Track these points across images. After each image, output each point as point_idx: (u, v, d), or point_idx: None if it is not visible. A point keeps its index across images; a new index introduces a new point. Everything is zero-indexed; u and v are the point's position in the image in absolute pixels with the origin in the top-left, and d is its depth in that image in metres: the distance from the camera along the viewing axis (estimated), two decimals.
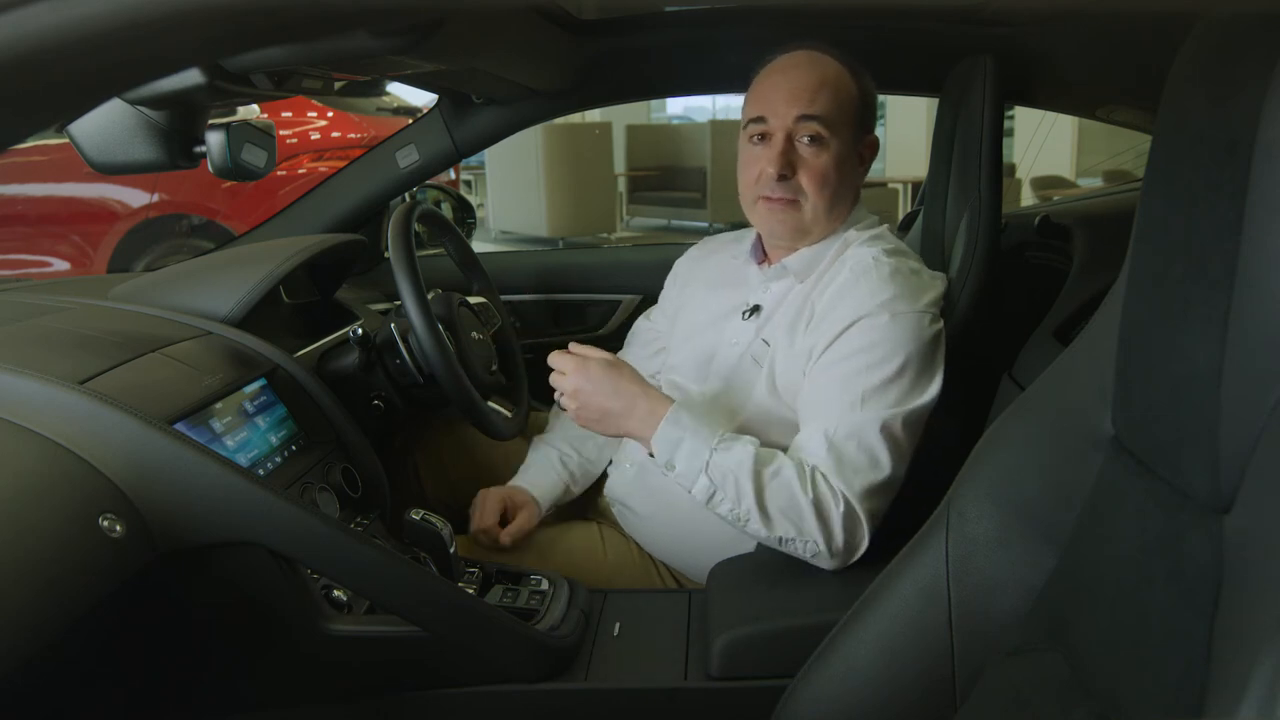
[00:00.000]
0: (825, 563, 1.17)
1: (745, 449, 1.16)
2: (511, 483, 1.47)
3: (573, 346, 1.27)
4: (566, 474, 1.49)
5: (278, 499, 0.98)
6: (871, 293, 1.21)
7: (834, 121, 1.27)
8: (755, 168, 1.30)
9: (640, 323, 1.62)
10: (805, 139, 1.27)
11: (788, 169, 1.27)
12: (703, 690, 1.10)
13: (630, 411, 1.20)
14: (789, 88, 1.27)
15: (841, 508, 1.14)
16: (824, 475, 1.16)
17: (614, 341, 1.68)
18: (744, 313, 1.37)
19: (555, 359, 1.26)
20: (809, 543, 1.15)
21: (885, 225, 1.36)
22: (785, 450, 1.22)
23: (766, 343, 1.30)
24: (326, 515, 1.09)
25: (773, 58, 1.33)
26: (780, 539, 1.16)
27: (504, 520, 1.40)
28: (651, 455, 1.21)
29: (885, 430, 1.18)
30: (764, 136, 1.29)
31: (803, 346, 1.25)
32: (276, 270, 1.35)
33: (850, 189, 1.33)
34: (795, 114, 1.26)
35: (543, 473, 1.48)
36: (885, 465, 1.17)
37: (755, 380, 1.29)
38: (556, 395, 1.26)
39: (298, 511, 0.99)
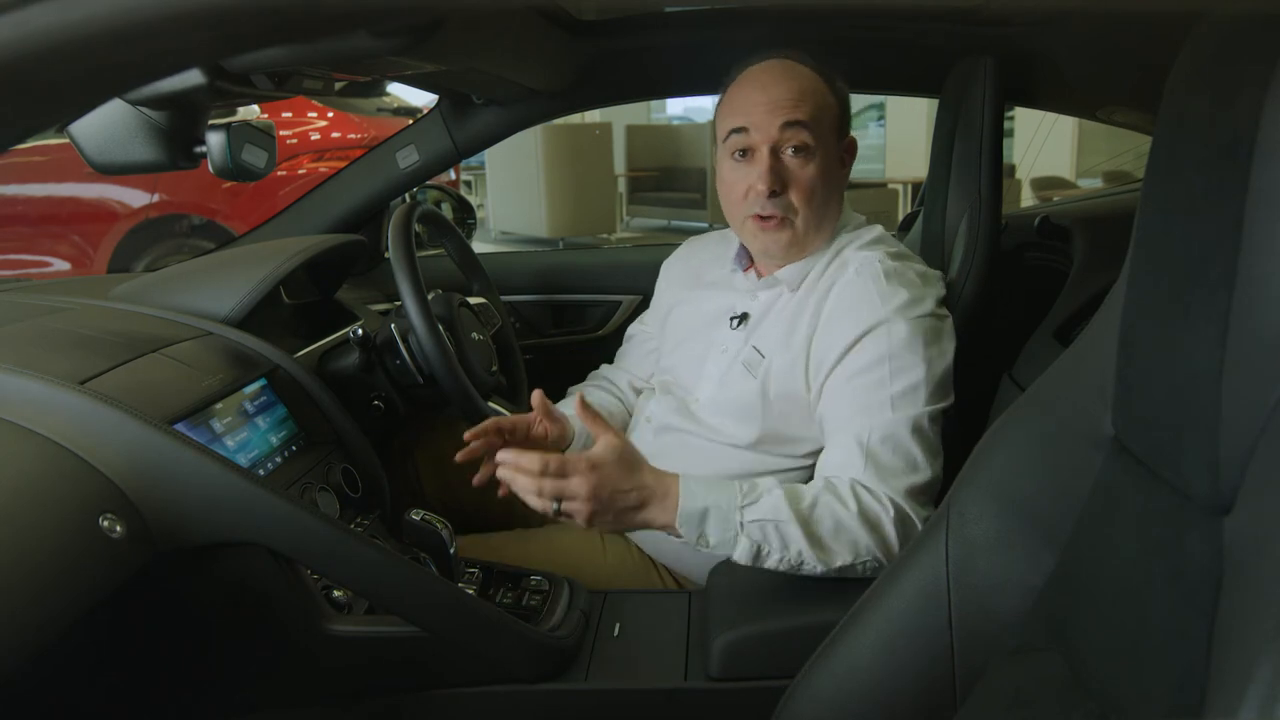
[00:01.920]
0: None
1: (773, 493, 1.10)
2: None
3: (554, 459, 1.07)
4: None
5: (278, 499, 0.98)
6: (883, 298, 1.21)
7: (817, 128, 1.25)
8: (742, 185, 1.27)
9: (634, 326, 1.61)
10: (790, 150, 1.24)
11: (778, 184, 1.24)
12: (702, 691, 1.10)
13: (646, 504, 1.09)
14: (770, 99, 1.24)
15: (892, 513, 1.10)
16: (864, 486, 1.12)
17: (614, 342, 1.68)
18: (732, 320, 1.36)
19: (558, 466, 1.06)
20: (868, 561, 1.10)
21: (880, 227, 1.35)
22: (770, 472, 1.22)
23: (759, 351, 1.29)
24: (326, 515, 1.09)
25: (744, 66, 1.30)
26: (841, 568, 1.10)
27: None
28: (677, 535, 1.11)
29: (917, 431, 1.15)
30: (747, 152, 1.26)
31: (803, 354, 1.25)
32: (276, 270, 1.35)
33: (837, 196, 1.32)
34: (780, 121, 1.23)
35: (565, 407, 1.41)
36: (923, 466, 1.15)
37: (746, 389, 1.28)
38: (552, 507, 1.07)
39: (298, 511, 0.99)
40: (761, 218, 1.27)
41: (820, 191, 1.27)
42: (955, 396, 1.22)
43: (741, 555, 1.09)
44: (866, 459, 1.14)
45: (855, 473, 1.14)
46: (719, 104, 1.32)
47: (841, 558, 1.10)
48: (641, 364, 1.54)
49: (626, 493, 1.08)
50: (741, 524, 1.09)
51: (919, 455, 1.15)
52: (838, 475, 1.15)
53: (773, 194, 1.25)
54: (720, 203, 1.34)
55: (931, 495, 1.16)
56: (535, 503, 1.07)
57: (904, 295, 1.21)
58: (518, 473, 1.07)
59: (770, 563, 1.10)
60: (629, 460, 1.09)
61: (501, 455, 1.09)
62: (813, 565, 1.09)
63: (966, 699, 0.79)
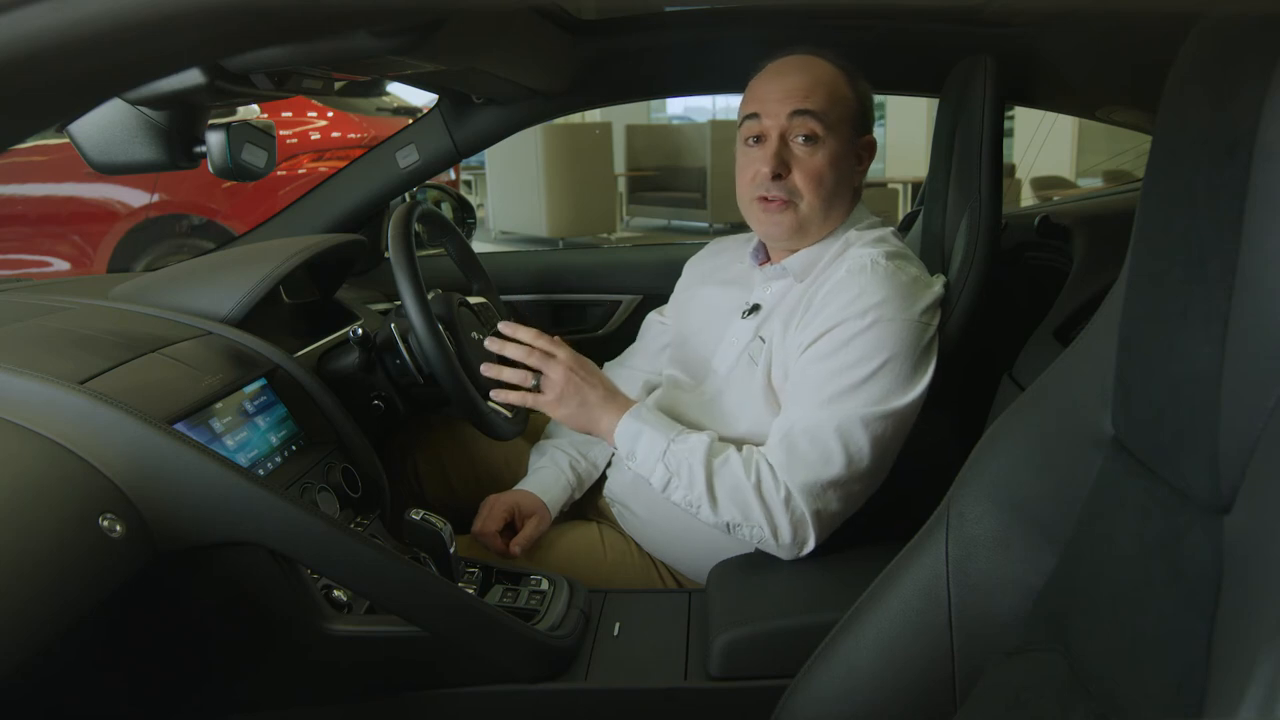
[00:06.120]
0: (775, 551, 1.21)
1: (701, 439, 1.22)
2: (521, 486, 1.47)
3: (547, 336, 1.31)
4: (575, 478, 1.49)
5: (278, 499, 0.98)
6: (862, 294, 1.21)
7: (829, 119, 1.27)
8: (751, 169, 1.30)
9: (653, 316, 1.63)
10: (800, 138, 1.27)
11: (782, 168, 1.27)
12: (703, 690, 1.10)
13: (605, 403, 1.26)
14: (783, 87, 1.28)
15: (782, 494, 1.17)
16: (770, 465, 1.19)
17: (614, 342, 1.68)
18: (744, 312, 1.37)
19: (548, 343, 1.29)
20: (755, 528, 1.19)
21: (890, 228, 1.35)
22: None
23: (763, 340, 1.31)
24: (326, 515, 1.09)
25: (767, 61, 1.33)
26: (729, 524, 1.20)
27: (512, 528, 1.40)
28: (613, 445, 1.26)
29: (843, 430, 1.18)
30: (759, 138, 1.29)
31: (793, 342, 1.26)
32: (276, 270, 1.35)
33: (847, 188, 1.33)
34: (789, 109, 1.26)
35: (553, 478, 1.47)
36: (836, 463, 1.18)
37: (751, 379, 1.29)
38: (531, 382, 1.29)
39: (298, 511, 0.99)
40: (765, 199, 1.29)
41: (828, 180, 1.28)
42: (955, 397, 1.22)
43: (657, 480, 1.22)
44: (782, 442, 1.20)
45: (769, 452, 1.20)
46: (742, 98, 1.35)
47: (729, 515, 1.19)
48: (654, 360, 1.55)
49: (595, 385, 1.27)
50: (665, 451, 1.22)
51: (836, 453, 1.18)
52: (758, 450, 1.22)
53: (776, 177, 1.27)
54: (736, 191, 1.36)
55: (840, 493, 1.19)
56: (514, 375, 1.28)
57: (883, 294, 1.21)
58: (511, 345, 1.30)
59: (676, 496, 1.21)
60: (597, 369, 1.30)
61: (501, 327, 1.32)
62: (707, 513, 1.20)
63: (966, 699, 0.79)
